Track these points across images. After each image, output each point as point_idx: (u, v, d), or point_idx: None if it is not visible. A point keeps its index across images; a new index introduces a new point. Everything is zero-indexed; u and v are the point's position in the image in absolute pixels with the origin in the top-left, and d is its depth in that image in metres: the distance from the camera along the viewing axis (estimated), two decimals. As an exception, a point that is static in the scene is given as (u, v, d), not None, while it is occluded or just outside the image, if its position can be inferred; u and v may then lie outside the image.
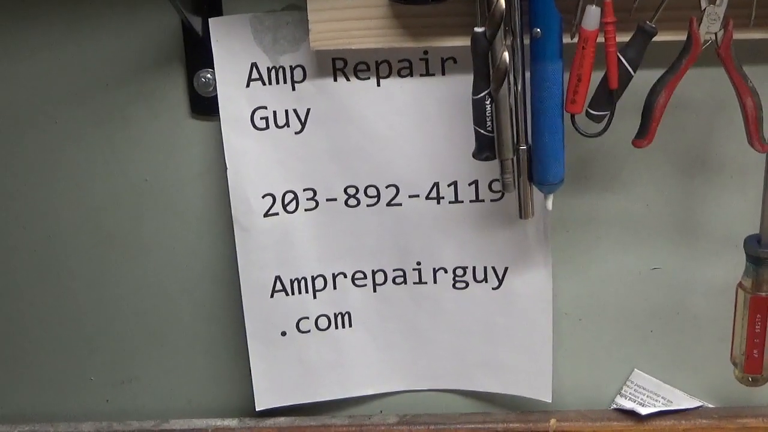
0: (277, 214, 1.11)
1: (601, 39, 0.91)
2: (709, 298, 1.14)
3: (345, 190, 1.11)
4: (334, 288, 1.15)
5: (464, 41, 0.95)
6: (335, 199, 1.11)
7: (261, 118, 1.08)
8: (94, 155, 1.13)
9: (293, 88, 1.06)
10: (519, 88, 0.96)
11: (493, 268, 1.13)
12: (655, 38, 0.93)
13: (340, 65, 1.05)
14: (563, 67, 0.94)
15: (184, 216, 1.15)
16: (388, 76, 1.05)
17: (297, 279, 1.14)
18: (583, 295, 1.16)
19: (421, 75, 1.05)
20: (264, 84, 1.06)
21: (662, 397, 1.17)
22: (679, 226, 1.11)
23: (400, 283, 1.15)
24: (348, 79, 1.06)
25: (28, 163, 1.14)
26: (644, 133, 0.96)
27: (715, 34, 0.92)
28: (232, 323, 1.18)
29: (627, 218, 1.12)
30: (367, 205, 1.11)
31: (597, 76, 0.93)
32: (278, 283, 1.14)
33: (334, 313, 1.16)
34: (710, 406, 1.17)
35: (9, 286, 1.20)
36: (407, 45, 1.00)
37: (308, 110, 1.07)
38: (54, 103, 1.11)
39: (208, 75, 1.08)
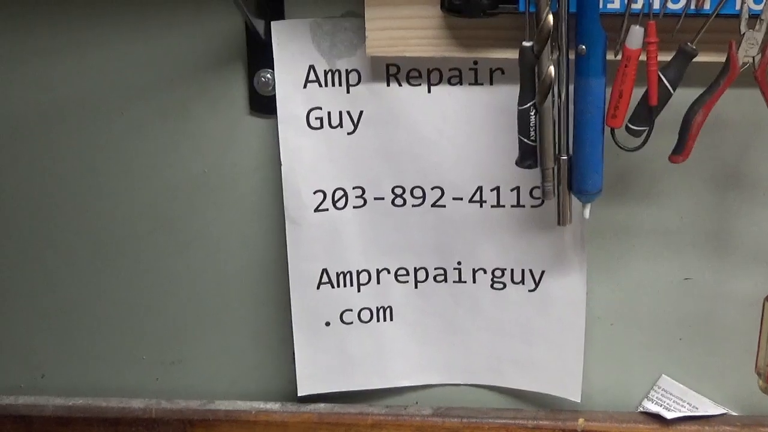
0: (326, 209, 1.13)
1: (643, 57, 0.93)
2: (737, 309, 1.14)
3: (392, 190, 1.13)
4: (378, 283, 1.17)
5: (513, 54, 0.97)
6: (383, 198, 1.13)
7: (316, 118, 1.10)
8: (156, 146, 1.15)
9: (348, 91, 1.09)
10: (563, 100, 0.97)
11: (531, 270, 1.15)
12: (695, 59, 0.94)
13: (394, 71, 1.07)
14: (606, 83, 0.95)
15: (239, 207, 1.17)
16: (438, 84, 1.07)
17: (343, 272, 1.16)
18: (616, 300, 1.16)
19: (470, 84, 1.07)
20: (320, 86, 1.09)
21: (688, 403, 1.18)
22: (712, 239, 1.12)
23: (441, 281, 1.17)
24: (400, 85, 1.08)
25: (94, 150, 1.16)
26: (681, 149, 0.98)
27: (753, 57, 0.93)
28: (279, 312, 1.20)
29: (661, 229, 1.12)
30: (413, 206, 1.13)
31: (638, 93, 0.95)
32: (325, 275, 1.16)
33: (377, 307, 1.18)
34: (734, 414, 1.17)
35: (70, 266, 1.22)
36: (458, 55, 1.03)
37: (361, 112, 1.10)
38: (121, 95, 1.13)
39: (268, 75, 1.10)
